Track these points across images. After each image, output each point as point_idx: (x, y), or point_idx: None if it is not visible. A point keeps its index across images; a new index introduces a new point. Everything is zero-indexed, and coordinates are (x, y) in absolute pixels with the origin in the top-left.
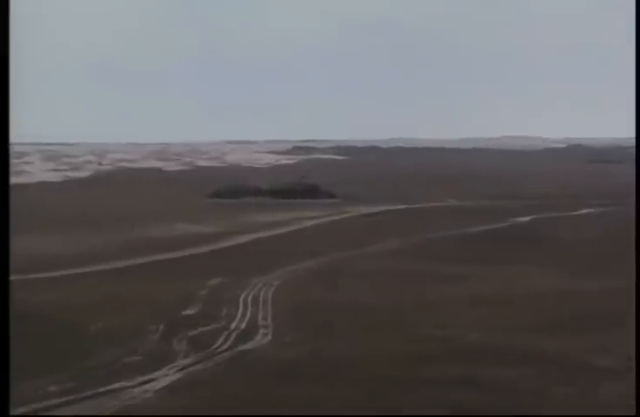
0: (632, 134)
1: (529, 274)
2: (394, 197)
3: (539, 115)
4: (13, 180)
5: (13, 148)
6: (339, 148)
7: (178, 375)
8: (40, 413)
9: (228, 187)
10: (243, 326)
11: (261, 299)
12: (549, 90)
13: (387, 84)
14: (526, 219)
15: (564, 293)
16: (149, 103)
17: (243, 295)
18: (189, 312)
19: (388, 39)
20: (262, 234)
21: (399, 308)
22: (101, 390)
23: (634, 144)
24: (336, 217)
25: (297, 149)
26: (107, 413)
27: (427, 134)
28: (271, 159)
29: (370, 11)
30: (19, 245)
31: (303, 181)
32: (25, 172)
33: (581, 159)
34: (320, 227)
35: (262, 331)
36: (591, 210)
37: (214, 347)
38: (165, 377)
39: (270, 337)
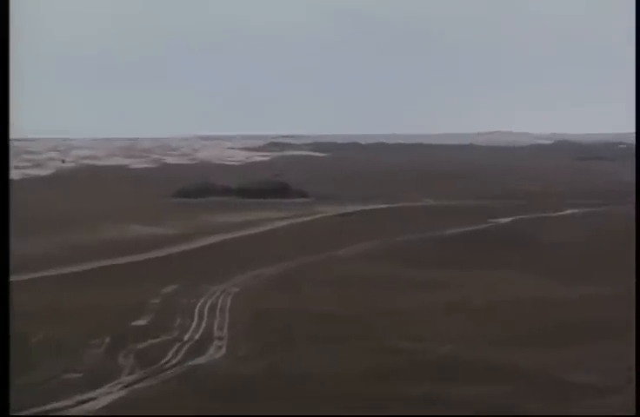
0: (622, 130)
1: (508, 280)
2: (371, 196)
3: (525, 111)
4: None
5: None
6: (317, 145)
7: (122, 393)
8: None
9: (195, 185)
10: (196, 337)
11: (218, 308)
12: (536, 85)
13: (370, 78)
14: (508, 220)
15: (545, 301)
16: (118, 96)
17: (199, 304)
18: (139, 322)
19: (371, 32)
20: (224, 237)
21: (367, 318)
22: (32, 411)
23: (623, 141)
24: (308, 218)
25: (273, 146)
26: None
27: (411, 129)
28: (244, 156)
29: (355, 4)
30: None
31: (275, 179)
32: None
33: (569, 156)
34: (289, 228)
35: (216, 343)
36: (578, 210)
37: (162, 361)
38: (107, 395)
39: (224, 350)
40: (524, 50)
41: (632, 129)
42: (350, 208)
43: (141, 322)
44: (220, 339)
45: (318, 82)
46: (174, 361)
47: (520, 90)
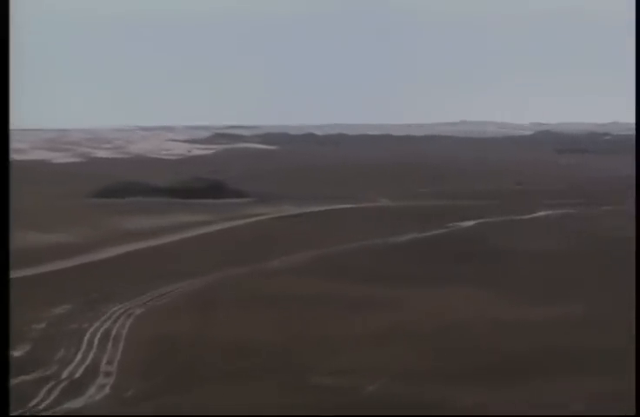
0: (609, 119)
1: (462, 299)
2: (321, 196)
3: (502, 98)
4: None
5: None
6: (269, 136)
7: None
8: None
9: (119, 184)
10: (77, 374)
11: (113, 334)
12: (514, 70)
13: (328, 63)
14: (470, 224)
15: (503, 324)
16: (54, 83)
17: (91, 329)
18: (13, 354)
19: (330, 13)
20: (136, 246)
21: (289, 347)
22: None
23: (609, 132)
24: (240, 222)
25: (219, 137)
26: None
27: (374, 119)
28: (185, 149)
29: None
30: None
31: (212, 176)
32: None
33: (549, 148)
34: (214, 235)
35: (100, 381)
36: (553, 212)
37: (31, 403)
38: None
39: (107, 390)
40: (505, 35)
41: (619, 119)
42: (293, 210)
43: (15, 353)
44: (107, 375)
45: (273, 68)
46: (44, 404)
47: (498, 76)
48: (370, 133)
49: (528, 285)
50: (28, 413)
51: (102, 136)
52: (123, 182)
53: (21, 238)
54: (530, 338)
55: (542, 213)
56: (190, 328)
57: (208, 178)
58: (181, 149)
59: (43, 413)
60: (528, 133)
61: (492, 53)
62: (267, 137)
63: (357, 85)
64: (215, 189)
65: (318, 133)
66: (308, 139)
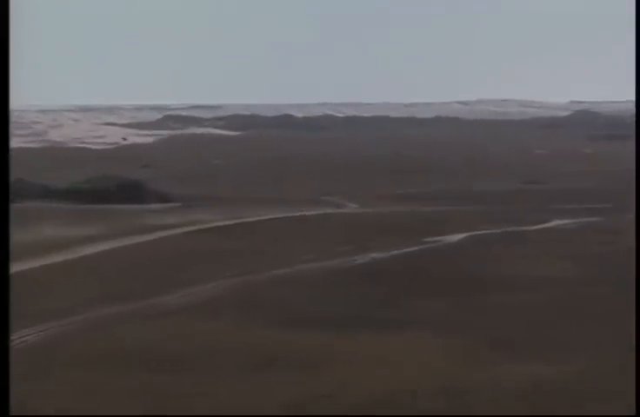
0: None
1: (415, 352)
2: (273, 199)
3: (531, 72)
4: None
5: None
6: (234, 119)
7: None
8: None
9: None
10: None
11: None
12: (547, 38)
13: (313, 28)
14: (457, 238)
15: (467, 392)
16: None
17: None
18: None
19: None
20: None
21: None
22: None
23: None
24: (140, 238)
25: (170, 120)
26: None
27: (370, 97)
28: (121, 135)
29: None
30: None
31: (133, 174)
32: None
33: (581, 134)
34: (96, 258)
35: None
36: (570, 221)
37: None
38: None
39: None
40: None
41: None
42: (226, 220)
43: None
44: None
45: (243, 35)
46: None
47: (526, 45)
48: (364, 115)
49: (510, 331)
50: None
51: (21, 120)
52: (12, 181)
53: None
54: (505, 407)
55: (555, 222)
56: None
57: (124, 177)
58: (117, 136)
59: None
60: (561, 114)
61: (515, 18)
62: (231, 120)
63: (350, 55)
64: (130, 192)
65: (298, 114)
66: (284, 122)
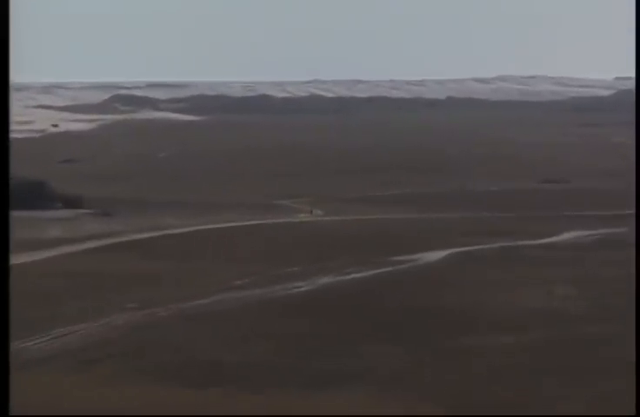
0: None
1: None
2: (214, 205)
3: (566, 42)
4: None
5: None
6: (197, 100)
7: None
8: None
9: None
10: None
11: None
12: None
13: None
14: (435, 257)
15: None
16: None
17: None
18: None
19: None
20: None
21: None
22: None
23: None
24: (29, 258)
25: (119, 101)
26: None
27: (369, 73)
28: (53, 121)
29: None
30: None
31: (41, 174)
32: None
33: (627, 118)
34: None
35: None
36: (586, 233)
37: None
38: None
39: None
40: None
41: None
42: (147, 232)
43: None
44: None
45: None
46: None
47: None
48: (359, 95)
49: (491, 395)
50: None
51: None
52: None
53: None
54: None
55: (566, 235)
56: None
57: (26, 176)
58: (48, 122)
59: None
60: (603, 93)
61: None
62: (195, 102)
63: (342, 21)
64: (28, 194)
65: (277, 95)
66: (259, 105)
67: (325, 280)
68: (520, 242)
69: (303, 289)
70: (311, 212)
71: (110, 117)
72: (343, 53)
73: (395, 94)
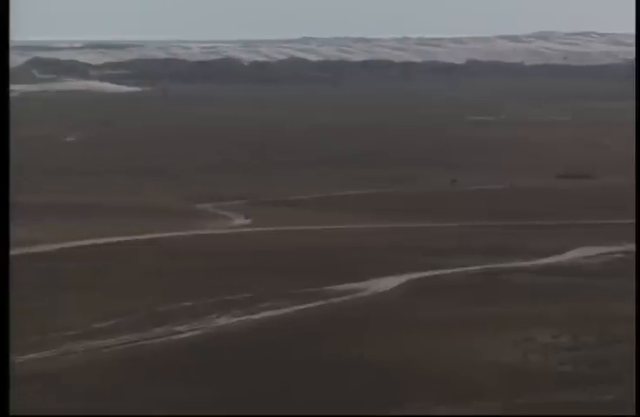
0: None
1: None
2: (111, 209)
3: None
4: None
5: None
6: (140, 65)
7: None
8: None
9: None
10: None
11: None
12: None
13: None
14: (387, 286)
15: None
16: None
17: None
18: None
19: None
20: None
21: None
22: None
23: None
24: None
25: (39, 67)
26: None
27: (369, 29)
28: None
29: None
30: None
31: None
32: None
33: None
34: None
35: None
36: (595, 252)
37: None
38: None
39: None
40: None
41: None
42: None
43: None
44: None
45: None
46: None
47: None
48: (352, 58)
49: None
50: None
51: None
52: None
53: None
54: None
55: (574, 253)
56: None
57: None
58: None
59: None
60: None
61: None
62: (136, 67)
63: None
64: None
65: (246, 58)
66: (221, 70)
67: (221, 321)
68: (508, 264)
69: (183, 336)
70: (245, 218)
71: (20, 88)
72: (332, 3)
73: (399, 56)
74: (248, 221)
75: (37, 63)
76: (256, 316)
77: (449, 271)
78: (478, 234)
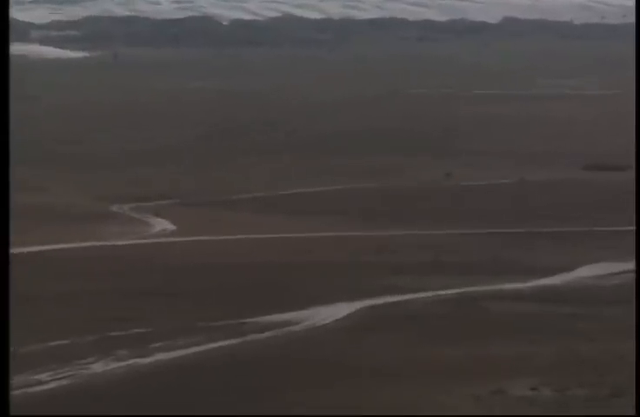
0: None
1: None
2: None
3: None
4: None
5: None
6: (97, 23)
7: None
8: None
9: None
10: None
11: None
12: None
13: None
14: (330, 318)
15: None
16: None
17: None
18: None
19: None
20: None
21: None
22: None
23: None
24: None
25: None
26: None
27: None
28: None
29: None
30: None
31: None
32: None
33: None
34: None
35: None
36: (617, 268)
37: None
38: None
39: None
40: None
41: None
42: None
43: None
44: None
45: None
46: None
47: None
48: (359, 16)
49: None
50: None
51: None
52: None
53: None
54: None
55: (585, 270)
56: None
57: None
58: None
59: None
60: None
61: None
62: (89, 27)
63: None
64: None
65: (227, 15)
66: (194, 30)
67: (97, 367)
68: (495, 285)
69: (43, 388)
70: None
71: None
72: None
73: (419, 14)
74: (170, 228)
75: None
76: (146, 360)
77: (416, 296)
78: (467, 245)
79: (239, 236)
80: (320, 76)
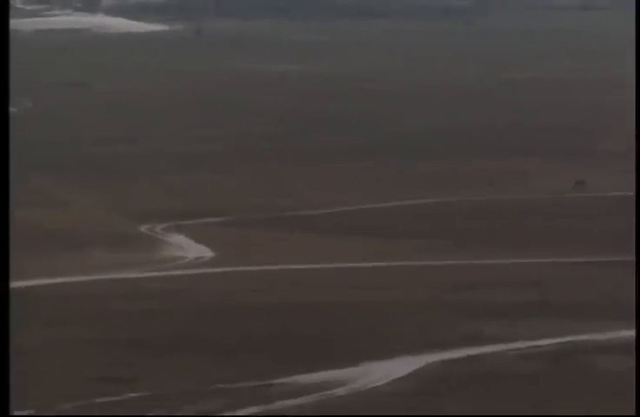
0: None
1: None
2: None
3: None
4: None
5: None
6: None
7: None
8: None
9: None
10: None
11: None
12: None
13: None
14: (389, 378)
15: None
16: None
17: None
18: None
19: None
20: None
21: None
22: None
23: None
24: None
25: None
26: None
27: None
28: None
29: None
30: None
31: None
32: None
33: None
34: None
35: None
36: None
37: None
38: None
39: None
40: None
41: None
42: None
43: None
44: None
45: None
46: None
47: None
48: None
49: None
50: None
51: None
52: None
53: None
54: None
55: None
56: None
57: None
58: None
59: None
60: None
61: None
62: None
63: None
64: None
65: None
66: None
67: None
68: (608, 334)
69: None
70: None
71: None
72: None
73: None
74: (207, 256)
75: None
76: None
77: (504, 347)
78: (583, 279)
79: (289, 266)
80: (447, 55)
